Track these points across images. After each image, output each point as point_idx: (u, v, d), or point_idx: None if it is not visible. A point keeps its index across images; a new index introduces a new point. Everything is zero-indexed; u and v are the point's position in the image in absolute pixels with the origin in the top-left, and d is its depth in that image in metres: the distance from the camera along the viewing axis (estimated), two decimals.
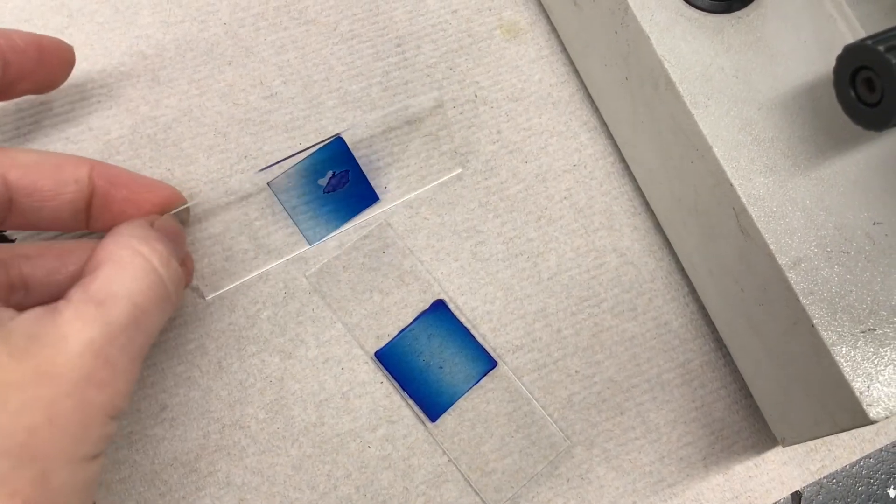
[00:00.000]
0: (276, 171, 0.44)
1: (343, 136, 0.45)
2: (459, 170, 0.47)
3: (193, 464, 0.41)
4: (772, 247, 0.37)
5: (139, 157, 0.45)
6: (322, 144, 0.44)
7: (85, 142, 0.45)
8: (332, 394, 0.42)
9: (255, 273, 0.44)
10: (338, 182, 0.45)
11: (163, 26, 0.47)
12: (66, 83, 0.45)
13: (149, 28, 0.47)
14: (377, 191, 0.46)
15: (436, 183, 0.46)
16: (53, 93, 0.45)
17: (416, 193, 0.46)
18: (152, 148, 0.45)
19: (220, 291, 0.43)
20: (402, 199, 0.46)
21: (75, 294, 0.32)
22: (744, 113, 0.39)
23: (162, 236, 0.36)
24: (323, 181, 0.45)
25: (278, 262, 0.44)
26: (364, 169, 0.46)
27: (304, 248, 0.44)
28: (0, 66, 0.37)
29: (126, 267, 0.33)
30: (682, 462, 0.43)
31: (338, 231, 0.45)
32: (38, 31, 0.46)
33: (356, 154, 0.46)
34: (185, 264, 0.40)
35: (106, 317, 0.31)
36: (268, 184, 0.44)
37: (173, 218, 0.40)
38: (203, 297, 0.43)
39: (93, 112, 0.46)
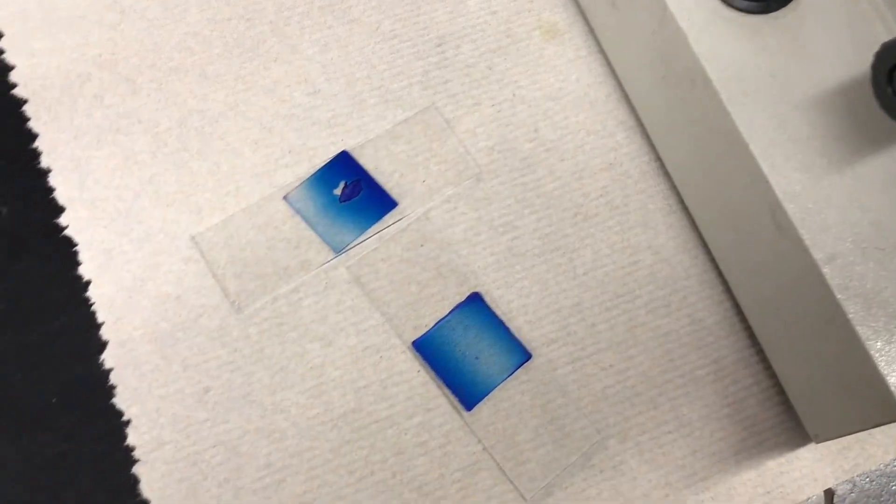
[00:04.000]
0: (296, 186, 0.46)
1: (349, 149, 0.46)
2: (471, 179, 0.47)
3: (236, 446, 0.42)
4: (807, 242, 0.38)
5: (187, 150, 0.47)
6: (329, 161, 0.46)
7: (135, 134, 0.47)
8: (371, 381, 0.43)
9: (289, 286, 0.44)
10: (352, 191, 0.46)
11: (210, 24, 0.49)
12: (116, 77, 0.47)
13: (197, 25, 0.49)
14: (395, 197, 0.47)
15: (450, 192, 0.47)
16: (104, 86, 0.47)
17: (431, 203, 0.46)
18: (199, 141, 0.47)
19: (255, 305, 0.44)
20: (423, 208, 0.46)
21: None
22: (779, 111, 0.40)
23: None
24: (337, 191, 0.46)
25: (309, 274, 0.45)
26: (379, 179, 0.47)
27: (332, 258, 0.45)
28: None
29: None
30: (714, 457, 0.44)
31: (361, 238, 0.46)
32: (92, 27, 0.48)
33: (367, 166, 0.47)
34: None
35: None
36: (284, 197, 0.46)
37: None
38: (240, 311, 0.44)
39: (142, 105, 0.47)
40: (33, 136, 0.46)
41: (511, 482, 0.42)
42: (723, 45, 0.41)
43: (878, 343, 0.36)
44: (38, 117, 0.47)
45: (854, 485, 0.45)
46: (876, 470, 0.45)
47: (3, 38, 0.48)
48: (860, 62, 0.40)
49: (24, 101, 0.47)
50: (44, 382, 0.42)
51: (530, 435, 0.43)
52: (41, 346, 0.43)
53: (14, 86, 0.47)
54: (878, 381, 0.36)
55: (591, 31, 0.51)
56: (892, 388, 0.36)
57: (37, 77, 0.47)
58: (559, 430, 0.43)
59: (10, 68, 0.47)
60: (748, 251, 0.42)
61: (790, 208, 0.39)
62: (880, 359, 0.36)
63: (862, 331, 0.37)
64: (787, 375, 0.43)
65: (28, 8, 0.48)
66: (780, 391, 0.45)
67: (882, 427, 0.44)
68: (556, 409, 0.44)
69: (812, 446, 0.45)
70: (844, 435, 0.41)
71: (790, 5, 0.42)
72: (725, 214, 0.43)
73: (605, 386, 0.45)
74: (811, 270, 0.38)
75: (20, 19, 0.48)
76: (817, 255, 0.38)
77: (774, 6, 0.42)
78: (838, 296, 0.37)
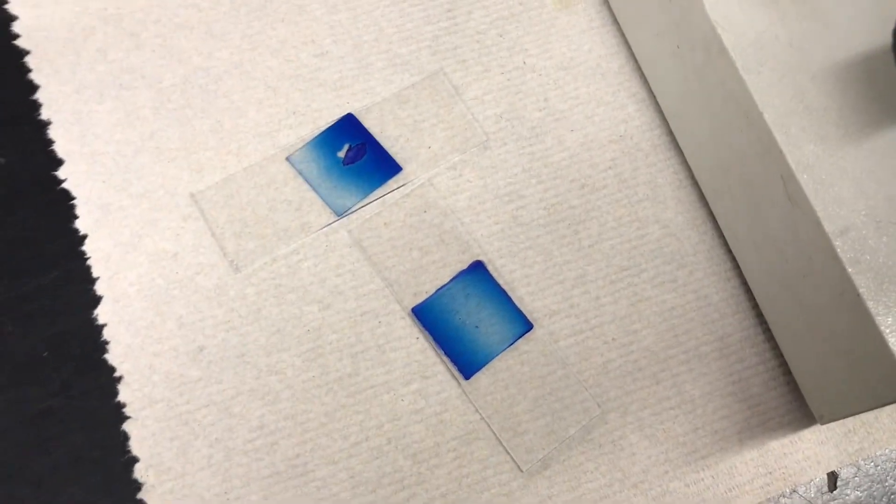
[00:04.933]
0: (299, 147, 0.45)
1: (354, 112, 0.45)
2: (478, 147, 0.46)
3: (228, 406, 0.41)
4: (819, 214, 0.37)
5: (190, 107, 0.46)
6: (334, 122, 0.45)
7: (137, 89, 0.46)
8: (368, 346, 0.43)
9: (288, 248, 0.44)
10: (356, 154, 0.45)
11: None
12: (121, 31, 0.46)
13: None
14: (400, 162, 0.46)
15: (456, 158, 0.46)
16: (108, 40, 0.46)
17: (436, 170, 0.45)
18: (203, 98, 0.46)
19: (253, 265, 0.43)
20: (427, 174, 0.46)
21: None
22: (796, 81, 0.39)
23: None
24: (341, 153, 0.45)
25: (309, 236, 0.44)
26: (384, 143, 0.46)
27: (333, 220, 0.44)
28: None
29: None
30: (716, 435, 0.43)
31: (364, 202, 0.45)
32: None
33: (373, 130, 0.46)
34: None
35: None
36: (287, 158, 0.45)
37: None
38: (238, 271, 0.43)
39: (146, 61, 0.46)
40: (34, 88, 0.45)
41: (508, 453, 0.42)
42: (740, 13, 0.40)
43: (889, 319, 0.36)
44: (39, 69, 0.46)
45: (858, 469, 0.44)
46: (881, 454, 0.44)
47: None
48: (881, 32, 0.39)
49: (27, 53, 0.46)
50: (36, 335, 0.42)
51: (529, 406, 0.42)
52: (35, 298, 0.42)
53: (17, 37, 0.46)
54: (888, 357, 0.35)
55: (605, 1, 0.50)
56: None
57: (40, 28, 0.46)
58: (558, 403, 0.43)
59: (13, 19, 0.46)
60: (759, 225, 0.42)
61: (803, 180, 0.38)
62: (890, 335, 0.35)
63: (872, 306, 0.36)
64: (794, 354, 0.42)
65: None
66: (786, 371, 0.44)
67: (888, 411, 0.44)
68: (556, 381, 0.43)
69: (816, 428, 0.44)
70: (850, 415, 0.40)
71: None
72: (737, 187, 0.42)
73: (607, 360, 0.44)
74: (822, 243, 0.37)
75: None
76: (829, 227, 0.37)
77: None
78: (849, 269, 0.36)
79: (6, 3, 0.47)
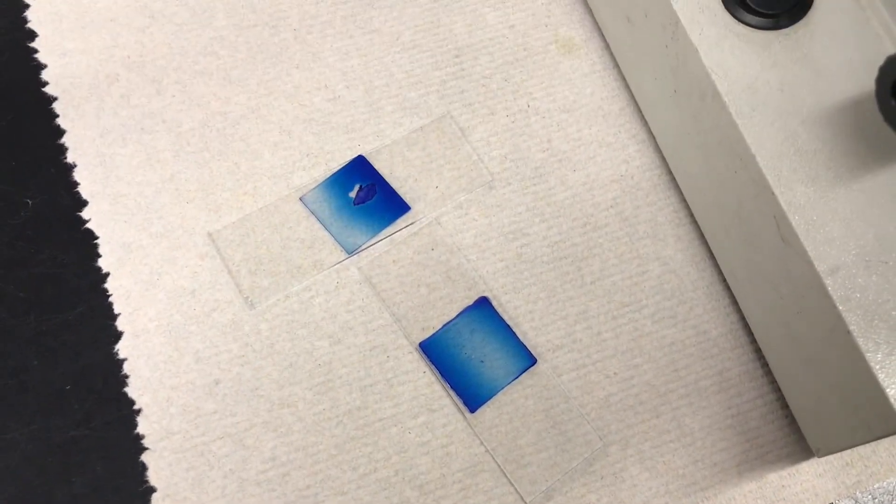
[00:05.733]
0: (312, 188, 0.47)
1: (365, 154, 0.48)
2: (484, 187, 0.48)
3: (242, 438, 0.43)
4: (810, 254, 0.38)
5: (208, 150, 0.48)
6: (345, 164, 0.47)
7: (158, 133, 0.48)
8: (377, 380, 0.44)
9: (301, 285, 0.46)
10: (366, 195, 0.47)
11: (236, 29, 0.51)
12: (143, 78, 0.48)
13: (223, 30, 0.50)
14: (408, 202, 0.48)
15: (463, 198, 0.48)
16: (131, 86, 0.49)
17: (443, 209, 0.47)
18: (221, 142, 0.48)
19: (268, 302, 0.45)
20: (435, 213, 0.47)
21: None
22: (787, 125, 0.41)
23: None
24: (352, 194, 0.47)
25: (321, 273, 0.46)
26: (393, 183, 0.48)
27: (344, 258, 0.46)
28: None
29: None
30: (715, 467, 0.44)
31: (374, 240, 0.47)
32: (122, 30, 0.49)
33: (382, 171, 0.48)
34: None
35: None
36: (300, 198, 0.47)
37: None
38: (252, 307, 0.45)
39: (167, 106, 0.49)
40: (61, 133, 0.48)
41: (512, 484, 0.43)
42: (733, 60, 0.42)
43: (879, 355, 0.37)
44: (66, 115, 0.48)
45: (856, 501, 0.45)
46: (879, 487, 0.45)
47: (36, 39, 0.50)
48: (868, 78, 0.41)
49: (54, 99, 0.48)
50: (59, 369, 0.44)
51: (532, 439, 0.44)
52: (59, 333, 0.44)
53: (45, 84, 0.49)
54: (878, 393, 0.36)
55: (607, 46, 0.52)
56: (892, 401, 0.36)
57: (67, 76, 0.49)
58: (561, 435, 0.44)
59: (42, 67, 0.49)
60: (754, 263, 0.43)
61: (795, 220, 0.39)
62: (880, 371, 0.36)
63: (862, 343, 0.37)
64: (791, 388, 0.43)
65: (61, 10, 0.50)
66: (784, 405, 0.45)
67: (885, 444, 0.44)
68: (559, 414, 0.44)
69: (814, 461, 0.45)
70: (845, 449, 0.41)
71: (800, 22, 0.42)
72: (733, 226, 0.44)
73: (609, 393, 0.45)
74: (814, 282, 0.38)
75: (54, 20, 0.50)
76: (820, 266, 0.38)
77: (785, 22, 0.42)
78: (840, 307, 0.37)
79: (35, 52, 0.49)
